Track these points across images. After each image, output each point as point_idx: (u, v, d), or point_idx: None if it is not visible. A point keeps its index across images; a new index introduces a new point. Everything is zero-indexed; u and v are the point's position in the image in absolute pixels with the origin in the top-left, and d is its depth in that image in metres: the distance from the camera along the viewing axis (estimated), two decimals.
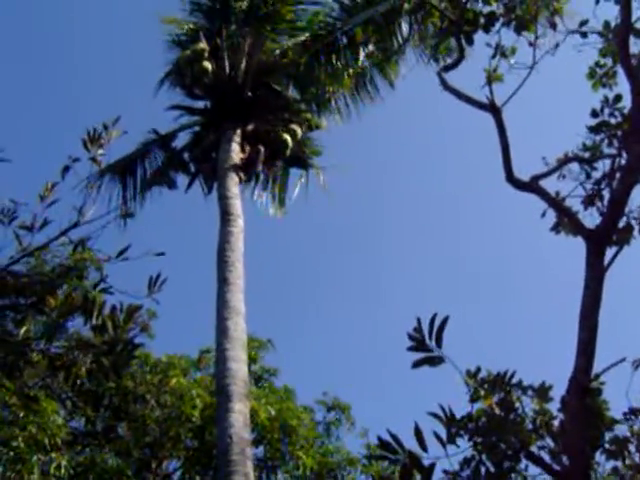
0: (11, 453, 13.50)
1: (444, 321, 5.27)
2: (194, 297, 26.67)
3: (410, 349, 5.35)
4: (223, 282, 10.92)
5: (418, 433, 4.90)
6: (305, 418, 17.20)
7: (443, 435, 5.33)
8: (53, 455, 14.12)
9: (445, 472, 5.53)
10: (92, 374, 7.44)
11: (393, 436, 4.90)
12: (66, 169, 7.96)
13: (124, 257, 7.81)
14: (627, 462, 6.43)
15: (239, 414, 9.16)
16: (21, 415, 13.44)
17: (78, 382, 7.59)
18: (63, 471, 14.23)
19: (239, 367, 9.76)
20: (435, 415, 5.42)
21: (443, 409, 5.43)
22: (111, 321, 7.02)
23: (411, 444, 5.19)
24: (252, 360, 17.51)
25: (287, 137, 14.20)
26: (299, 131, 14.40)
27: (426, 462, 4.84)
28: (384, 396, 27.74)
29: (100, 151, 8.17)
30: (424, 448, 4.96)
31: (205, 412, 16.12)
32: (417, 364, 5.38)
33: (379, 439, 4.97)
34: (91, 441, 16.41)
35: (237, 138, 13.61)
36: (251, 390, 15.54)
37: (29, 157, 26.68)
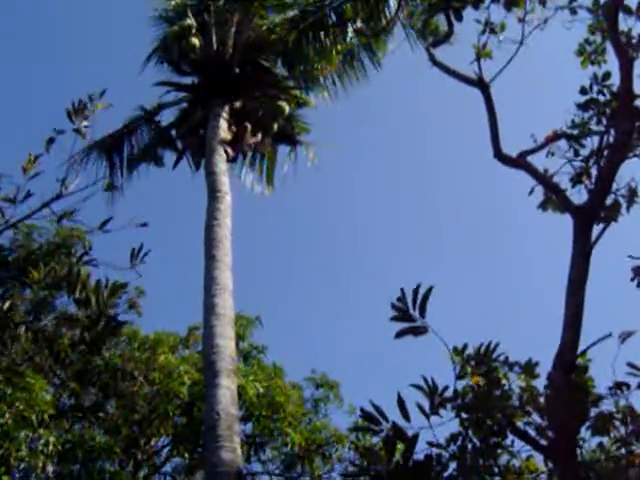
0: None
1: (428, 291, 5.28)
2: (182, 274, 26.66)
3: (393, 319, 5.35)
4: (211, 259, 10.88)
5: (401, 403, 4.93)
6: (293, 395, 17.25)
7: (427, 407, 5.36)
8: (41, 432, 14.13)
9: (429, 444, 5.55)
10: (75, 347, 7.43)
11: (376, 407, 4.92)
12: (50, 141, 7.89)
13: (107, 229, 7.77)
14: (612, 436, 6.48)
15: (226, 390, 9.16)
16: (8, 392, 13.43)
17: (63, 356, 7.58)
18: (51, 448, 14.25)
19: (226, 344, 9.75)
20: (418, 387, 5.43)
21: (426, 380, 5.45)
22: (95, 295, 6.98)
23: (397, 417, 5.21)
24: (240, 337, 17.53)
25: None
26: (287, 108, 14.34)
27: (410, 433, 4.86)
28: (373, 373, 27.85)
29: (85, 123, 8.10)
30: (407, 418, 4.98)
31: (193, 389, 16.15)
32: (400, 334, 5.38)
33: (362, 411, 4.99)
34: (79, 416, 16.42)
35: (225, 115, 13.54)
36: (239, 367, 15.57)
37: (13, 132, 26.52)
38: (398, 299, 5.31)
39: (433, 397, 5.35)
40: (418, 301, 5.27)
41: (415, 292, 5.26)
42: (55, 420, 14.89)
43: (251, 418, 16.58)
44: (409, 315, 5.30)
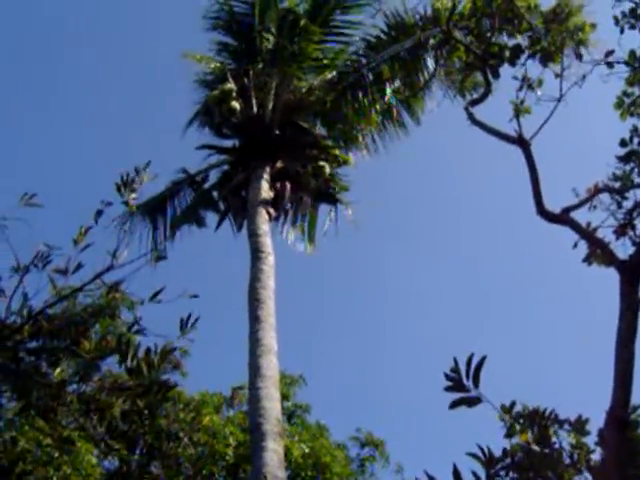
0: None
1: (481, 361, 5.25)
2: (226, 335, 26.68)
3: (447, 389, 5.33)
4: (255, 320, 10.92)
5: (457, 475, 4.86)
6: (339, 455, 17.07)
7: (482, 475, 5.28)
8: None
9: None
10: (126, 416, 7.47)
11: (431, 478, 4.86)
12: (99, 213, 8.07)
13: (158, 300, 7.87)
14: None
15: (273, 453, 9.10)
16: (55, 455, 13.47)
17: (112, 423, 7.62)
18: None
19: (272, 405, 9.72)
20: (474, 455, 5.37)
21: (482, 449, 5.38)
22: (146, 363, 7.04)
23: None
24: (284, 397, 17.46)
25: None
26: (328, 169, 14.50)
27: None
28: (418, 430, 27.49)
29: (133, 195, 8.29)
30: None
31: (238, 450, 16.06)
32: (454, 405, 5.35)
33: None
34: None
35: (266, 176, 13.72)
36: (284, 427, 15.49)
37: (61, 199, 27.04)
38: (451, 369, 5.29)
39: (489, 466, 5.28)
40: (471, 371, 5.26)
41: (468, 362, 5.24)
42: None
43: (297, 479, 16.42)
44: (463, 385, 5.29)
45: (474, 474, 5.10)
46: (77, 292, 8.02)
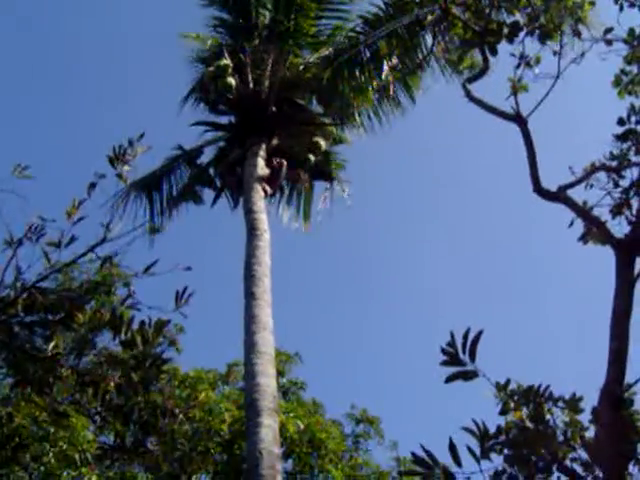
0: (42, 469, 13.58)
1: (478, 335, 5.26)
2: (221, 311, 26.73)
3: (443, 363, 5.35)
4: (250, 296, 10.92)
5: (453, 448, 4.88)
6: (334, 431, 17.17)
7: (476, 449, 5.30)
8: (83, 470, 14.18)
9: None
10: (121, 389, 7.47)
11: (427, 452, 4.88)
12: (92, 186, 8.00)
13: (151, 272, 7.83)
14: None
15: (269, 429, 9.14)
16: (51, 431, 13.51)
17: (107, 397, 7.62)
18: None
19: (268, 382, 9.75)
20: (469, 430, 5.39)
21: (477, 424, 5.40)
22: (140, 336, 7.04)
23: (441, 457, 5.17)
24: (280, 373, 17.53)
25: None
26: (323, 144, 14.43)
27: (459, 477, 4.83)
28: (412, 408, 27.62)
29: (126, 167, 8.22)
30: (459, 463, 4.95)
31: (234, 426, 16.13)
32: (450, 379, 5.37)
33: (413, 455, 4.96)
34: (120, 456, 16.46)
35: (262, 153, 13.67)
36: (279, 404, 15.55)
37: (55, 174, 26.98)
38: (448, 343, 5.31)
39: (484, 441, 5.30)
40: (468, 345, 5.27)
41: (465, 336, 5.25)
42: (97, 458, 14.95)
43: (292, 455, 16.52)
44: (459, 359, 5.30)
45: (469, 449, 5.12)
46: (70, 265, 7.98)
